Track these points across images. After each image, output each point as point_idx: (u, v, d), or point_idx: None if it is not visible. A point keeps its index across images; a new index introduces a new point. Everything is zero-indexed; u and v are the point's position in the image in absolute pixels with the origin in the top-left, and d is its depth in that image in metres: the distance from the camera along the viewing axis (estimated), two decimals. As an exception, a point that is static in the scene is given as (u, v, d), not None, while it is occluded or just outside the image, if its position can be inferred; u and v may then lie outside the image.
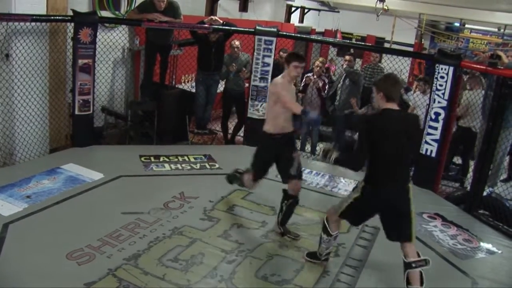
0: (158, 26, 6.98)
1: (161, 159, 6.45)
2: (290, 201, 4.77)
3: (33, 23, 5.92)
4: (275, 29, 7.35)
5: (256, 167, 4.88)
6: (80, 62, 6.37)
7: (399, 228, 3.88)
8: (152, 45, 7.46)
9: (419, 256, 3.87)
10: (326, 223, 4.21)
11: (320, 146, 8.13)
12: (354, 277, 4.26)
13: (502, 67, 5.93)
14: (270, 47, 7.28)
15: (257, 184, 5.04)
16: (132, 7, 7.50)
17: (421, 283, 3.81)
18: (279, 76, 4.75)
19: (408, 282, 3.85)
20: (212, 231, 4.78)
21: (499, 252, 5.14)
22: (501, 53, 6.17)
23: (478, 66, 6.47)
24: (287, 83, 4.66)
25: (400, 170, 3.88)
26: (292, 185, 4.75)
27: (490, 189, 6.42)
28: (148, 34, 7.38)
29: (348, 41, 10.60)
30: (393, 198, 3.87)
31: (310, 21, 14.99)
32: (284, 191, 4.81)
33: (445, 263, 4.74)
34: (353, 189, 4.18)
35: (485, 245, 5.23)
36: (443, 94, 6.40)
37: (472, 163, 7.01)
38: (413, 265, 3.82)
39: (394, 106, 3.82)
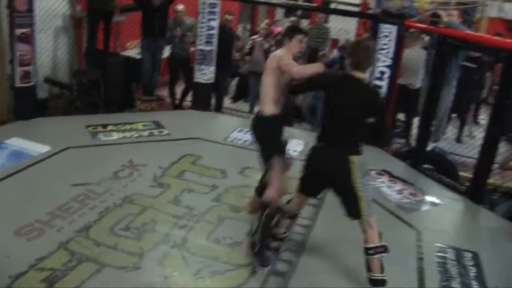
0: (99, -9, 6.81)
1: (109, 128, 6.37)
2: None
3: (-36, -7, 5.67)
4: (221, -9, 7.26)
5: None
6: (18, 31, 6.12)
7: (345, 203, 3.68)
8: (94, 12, 7.28)
9: (380, 240, 3.62)
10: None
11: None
12: (304, 235, 4.39)
13: (442, 26, 6.08)
14: (214, 10, 7.20)
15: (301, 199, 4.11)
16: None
17: (382, 271, 3.58)
18: (277, 51, 4.23)
19: (369, 269, 3.61)
20: (163, 197, 4.80)
21: (443, 203, 5.39)
22: (441, 12, 6.30)
23: (421, 25, 6.62)
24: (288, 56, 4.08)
25: (342, 137, 3.68)
26: None
27: (434, 144, 6.65)
28: (90, 1, 7.19)
29: (292, 2, 10.53)
30: (327, 160, 3.68)
31: (255, -18, 14.83)
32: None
33: (392, 217, 4.92)
34: None
35: (430, 198, 5.46)
36: (388, 53, 6.55)
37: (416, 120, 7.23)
38: (370, 251, 3.59)
39: (359, 74, 3.67)
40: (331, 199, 4.06)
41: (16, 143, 5.67)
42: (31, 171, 5.11)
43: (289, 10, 12.60)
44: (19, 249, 3.81)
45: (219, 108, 7.93)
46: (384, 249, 3.59)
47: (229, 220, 4.53)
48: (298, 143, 6.43)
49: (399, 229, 4.73)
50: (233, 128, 6.72)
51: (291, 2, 9.05)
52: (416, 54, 7.29)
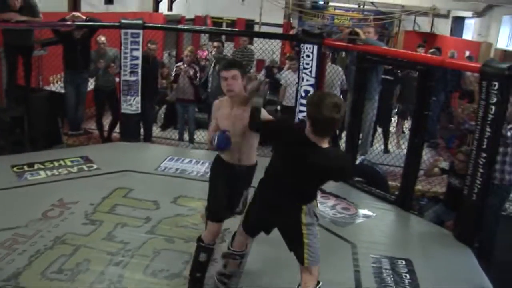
0: (15, 26, 6.64)
1: (36, 166, 6.19)
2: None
3: None
4: (140, 21, 7.25)
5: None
6: None
7: (290, 247, 3.47)
8: (11, 47, 7.08)
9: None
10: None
11: (198, 134, 8.27)
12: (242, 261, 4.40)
13: (361, 43, 6.36)
14: (137, 40, 7.18)
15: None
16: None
17: None
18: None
19: None
20: (96, 234, 4.69)
21: (375, 214, 5.60)
22: (358, 30, 6.60)
23: (340, 43, 6.89)
24: (224, 102, 3.92)
25: (294, 186, 3.33)
26: None
27: (362, 157, 6.90)
28: (6, 36, 6.99)
29: (215, 28, 10.71)
30: (275, 206, 3.42)
31: (179, 8, 14.89)
32: None
33: (327, 233, 5.02)
34: None
35: (362, 211, 5.65)
36: (310, 72, 6.76)
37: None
38: None
39: (320, 142, 3.13)
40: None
41: None
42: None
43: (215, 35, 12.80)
44: None
45: (148, 138, 7.88)
46: None
47: (165, 251, 4.48)
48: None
49: (335, 244, 4.86)
50: (163, 157, 6.69)
51: (213, 28, 9.17)
52: (333, 70, 7.59)
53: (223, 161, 3.97)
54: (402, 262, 4.59)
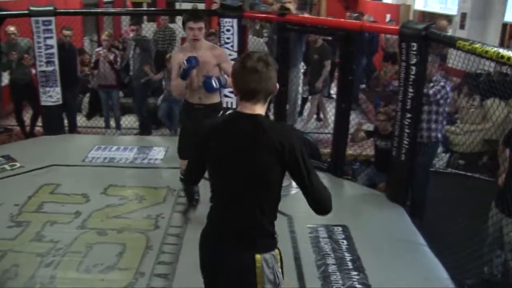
0: None
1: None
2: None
3: None
4: (51, 8, 6.87)
5: None
6: None
7: None
8: None
9: None
10: None
11: (124, 120, 8.06)
12: (178, 245, 4.33)
13: None
14: (49, 27, 6.80)
15: None
16: None
17: None
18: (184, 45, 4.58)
19: None
20: (23, 236, 4.46)
21: (309, 184, 5.58)
22: (290, 6, 6.44)
23: (260, 15, 6.82)
24: (186, 49, 4.36)
25: (241, 221, 2.39)
26: None
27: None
28: None
29: (132, 9, 10.38)
30: (224, 267, 2.45)
31: (96, -10, 14.36)
32: None
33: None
34: None
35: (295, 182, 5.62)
36: (232, 46, 6.64)
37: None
38: None
39: (248, 108, 2.35)
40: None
41: None
42: None
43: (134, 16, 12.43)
44: None
45: (73, 129, 7.59)
46: None
47: (98, 245, 4.34)
48: (158, 150, 6.36)
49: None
50: (90, 147, 6.47)
51: (131, 9, 8.88)
52: (255, 43, 7.53)
53: (187, 102, 4.50)
54: (338, 229, 4.63)
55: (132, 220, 4.72)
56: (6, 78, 7.42)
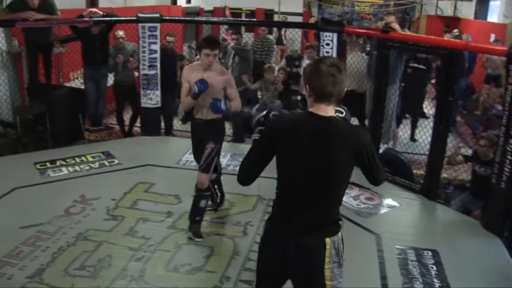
0: (34, 24, 6.69)
1: (58, 163, 6.21)
2: (194, 194, 4.69)
3: None
4: (157, 15, 7.24)
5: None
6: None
7: None
8: (31, 45, 7.12)
9: None
10: None
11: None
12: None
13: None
14: (155, 33, 7.17)
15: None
16: (3, 7, 7.10)
17: None
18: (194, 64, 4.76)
19: None
20: (118, 230, 4.69)
21: (399, 204, 5.48)
22: (396, 26, 6.33)
23: (360, 30, 6.75)
24: (198, 69, 4.52)
25: (312, 211, 2.55)
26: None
27: (385, 145, 6.76)
28: (26, 34, 7.04)
29: (233, 19, 10.66)
30: (292, 254, 2.55)
31: (198, 0, 14.86)
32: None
33: (351, 224, 4.91)
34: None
35: (386, 201, 5.54)
36: (331, 60, 6.59)
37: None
38: None
39: (322, 110, 2.49)
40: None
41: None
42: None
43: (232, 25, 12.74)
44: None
45: (169, 131, 7.86)
46: None
47: (187, 246, 4.48)
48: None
49: (359, 235, 4.77)
50: (184, 151, 6.65)
51: (232, 19, 9.09)
52: (358, 59, 7.43)
53: (192, 116, 4.71)
54: (428, 253, 4.49)
55: (221, 225, 4.83)
56: (111, 79, 7.82)
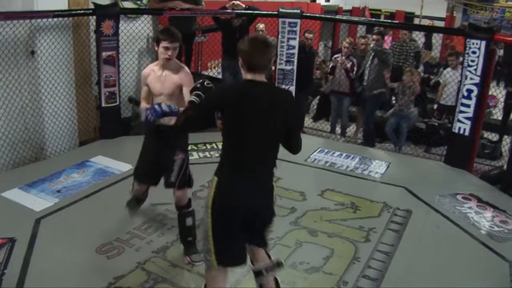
0: (180, 14, 6.97)
1: (189, 147, 6.36)
2: (177, 213, 4.16)
3: (55, 19, 5.95)
4: (298, 11, 7.23)
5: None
6: (104, 54, 6.40)
7: (259, 236, 3.17)
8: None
9: (270, 258, 3.22)
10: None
11: (349, 128, 8.06)
12: (385, 263, 4.15)
13: None
14: (294, 29, 7.16)
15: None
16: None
17: None
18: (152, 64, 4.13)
19: None
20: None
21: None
22: None
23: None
24: (156, 69, 4.01)
25: (265, 163, 3.03)
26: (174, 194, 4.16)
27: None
28: (171, 23, 7.34)
29: (374, 19, 10.35)
30: (252, 198, 2.98)
31: (337, -1, 14.75)
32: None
33: (482, 247, 4.57)
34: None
35: (523, 226, 5.06)
36: (475, 70, 6.15)
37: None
38: (264, 272, 3.16)
39: (258, 77, 2.92)
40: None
41: (101, 161, 5.86)
42: (113, 189, 5.25)
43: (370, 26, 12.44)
44: (98, 267, 3.89)
45: (300, 128, 7.82)
46: (277, 265, 3.22)
47: (307, 244, 4.40)
48: (380, 164, 6.22)
49: (490, 260, 4.38)
50: (313, 149, 6.59)
51: (371, 19, 8.85)
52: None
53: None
54: None
55: (344, 227, 4.68)
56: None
